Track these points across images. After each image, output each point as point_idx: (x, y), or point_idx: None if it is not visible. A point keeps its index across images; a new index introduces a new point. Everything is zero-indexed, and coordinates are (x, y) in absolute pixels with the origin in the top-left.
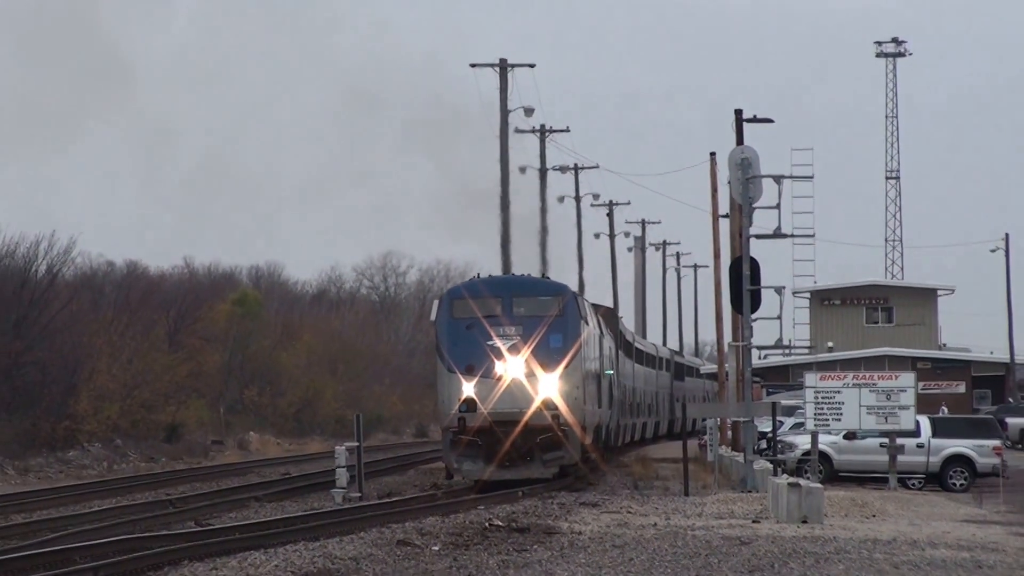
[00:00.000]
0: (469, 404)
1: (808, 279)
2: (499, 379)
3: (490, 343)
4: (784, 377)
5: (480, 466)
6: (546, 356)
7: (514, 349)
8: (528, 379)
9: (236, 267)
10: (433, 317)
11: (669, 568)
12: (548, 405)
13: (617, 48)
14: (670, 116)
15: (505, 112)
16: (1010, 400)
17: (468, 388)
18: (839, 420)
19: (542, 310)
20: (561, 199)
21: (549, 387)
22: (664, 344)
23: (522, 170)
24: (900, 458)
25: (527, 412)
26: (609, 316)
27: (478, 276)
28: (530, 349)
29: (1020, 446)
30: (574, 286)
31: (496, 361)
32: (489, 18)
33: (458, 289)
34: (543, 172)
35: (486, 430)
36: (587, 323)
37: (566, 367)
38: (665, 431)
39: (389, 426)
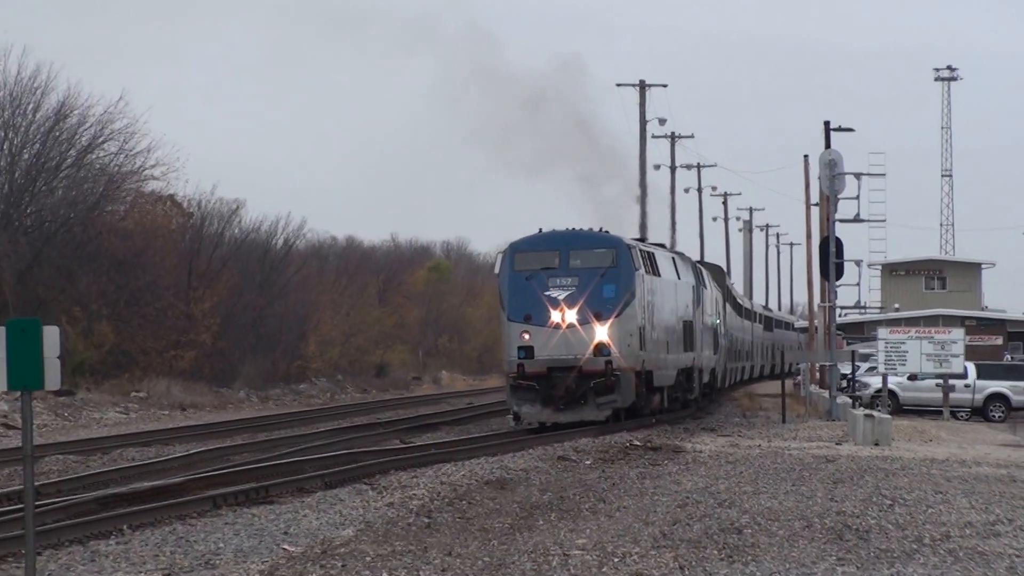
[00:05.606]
0: (527, 351)
1: (880, 254)
2: (555, 327)
3: (548, 294)
4: (861, 331)
5: (538, 409)
6: (599, 305)
7: (570, 299)
8: (582, 327)
9: (431, 241)
10: (497, 270)
11: (771, 479)
12: (601, 351)
13: (731, 64)
14: (774, 123)
15: (643, 123)
16: None
17: (526, 336)
18: (904, 365)
19: (598, 262)
20: (687, 190)
21: (602, 334)
22: (766, 304)
23: (656, 168)
24: (952, 395)
25: (581, 358)
26: (717, 272)
27: (540, 230)
28: (584, 299)
29: None
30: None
31: (553, 310)
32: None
33: (520, 243)
34: (673, 170)
35: (543, 375)
36: (656, 273)
37: (618, 315)
38: (758, 374)
39: None
